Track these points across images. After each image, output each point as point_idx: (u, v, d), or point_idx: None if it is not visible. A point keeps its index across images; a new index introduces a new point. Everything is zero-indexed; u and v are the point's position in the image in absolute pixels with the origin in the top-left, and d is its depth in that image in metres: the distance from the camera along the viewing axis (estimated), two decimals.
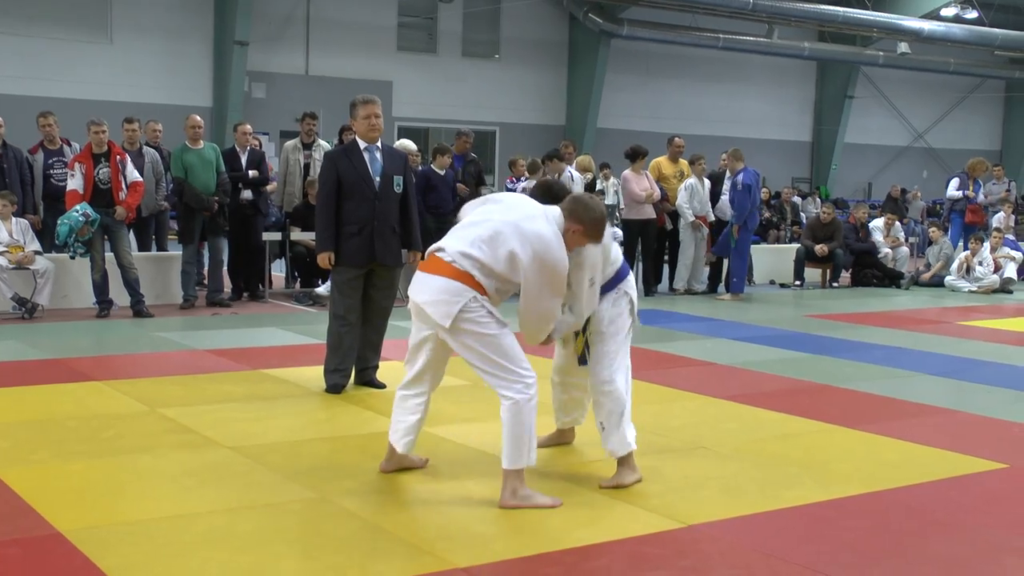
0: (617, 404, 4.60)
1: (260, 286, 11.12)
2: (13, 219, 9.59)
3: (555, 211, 4.34)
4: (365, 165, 6.28)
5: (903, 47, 25.10)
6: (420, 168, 11.26)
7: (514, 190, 11.77)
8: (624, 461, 4.64)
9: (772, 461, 5.11)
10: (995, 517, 4.38)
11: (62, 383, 6.55)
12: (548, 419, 5.11)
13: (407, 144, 11.32)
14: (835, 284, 13.97)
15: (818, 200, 21.89)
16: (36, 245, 9.68)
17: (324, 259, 6.33)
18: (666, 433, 5.56)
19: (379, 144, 6.37)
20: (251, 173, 10.73)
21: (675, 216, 12.51)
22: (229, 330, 8.96)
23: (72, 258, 9.47)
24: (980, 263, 13.87)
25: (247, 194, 10.73)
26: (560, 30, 24.44)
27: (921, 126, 30.00)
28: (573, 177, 11.61)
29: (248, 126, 11.20)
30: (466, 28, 23.44)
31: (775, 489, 4.63)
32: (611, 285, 4.67)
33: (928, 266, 14.68)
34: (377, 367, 6.66)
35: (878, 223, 15.20)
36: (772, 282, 14.26)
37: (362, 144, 6.31)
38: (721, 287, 12.60)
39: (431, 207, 10.85)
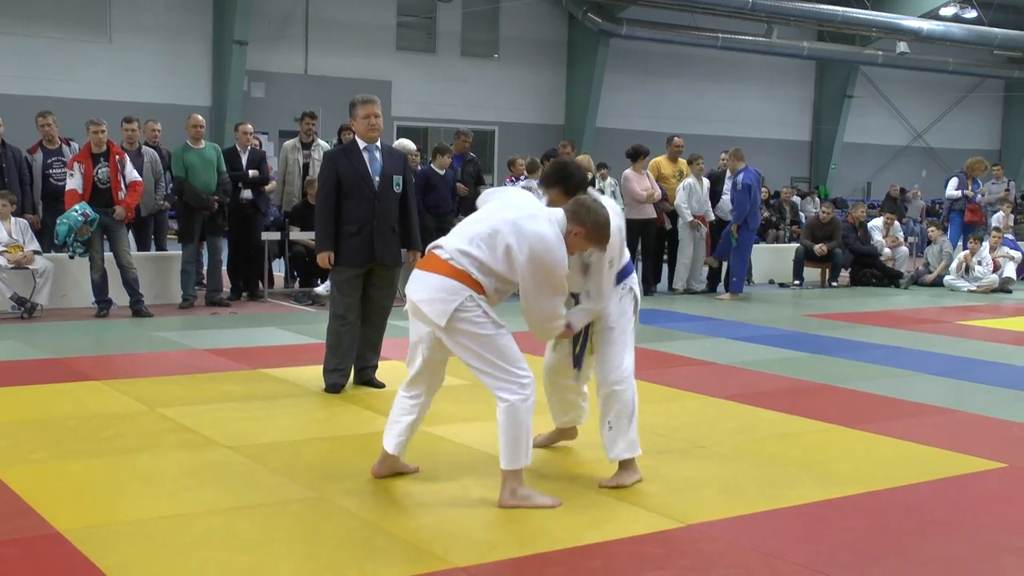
0: (627, 406, 4.57)
1: (259, 286, 11.13)
2: (12, 219, 9.59)
3: (558, 212, 4.29)
4: (364, 165, 6.28)
5: (902, 47, 25.08)
6: (420, 168, 11.26)
7: None
8: (625, 462, 4.63)
9: (771, 461, 5.11)
10: (994, 517, 4.38)
11: (61, 383, 6.55)
12: (547, 418, 5.10)
13: (406, 144, 11.31)
14: (834, 284, 13.98)
15: (817, 200, 21.88)
16: (35, 245, 9.68)
17: (324, 259, 6.33)
18: (665, 433, 5.57)
19: (378, 144, 6.37)
20: (251, 173, 10.73)
21: (674, 216, 12.52)
22: (228, 330, 8.96)
23: (71, 258, 9.48)
24: (979, 263, 13.86)
25: (247, 194, 10.74)
26: (559, 30, 24.42)
27: (920, 126, 29.99)
28: None
29: (249, 126, 11.20)
30: (465, 28, 23.42)
31: (774, 489, 4.63)
32: (617, 280, 4.62)
33: (927, 265, 14.68)
34: (376, 367, 6.66)
35: (877, 223, 15.21)
36: (771, 282, 14.26)
37: (361, 144, 6.32)
38: (720, 287, 12.59)
39: (431, 207, 10.86)
